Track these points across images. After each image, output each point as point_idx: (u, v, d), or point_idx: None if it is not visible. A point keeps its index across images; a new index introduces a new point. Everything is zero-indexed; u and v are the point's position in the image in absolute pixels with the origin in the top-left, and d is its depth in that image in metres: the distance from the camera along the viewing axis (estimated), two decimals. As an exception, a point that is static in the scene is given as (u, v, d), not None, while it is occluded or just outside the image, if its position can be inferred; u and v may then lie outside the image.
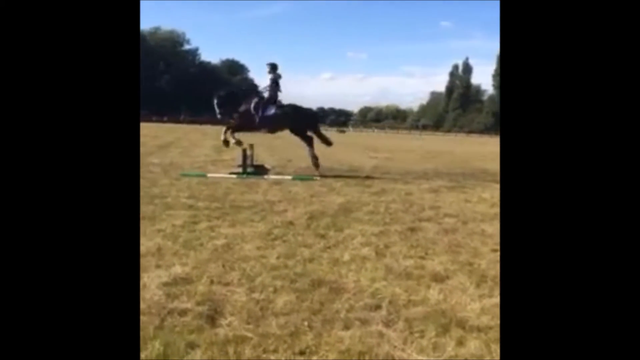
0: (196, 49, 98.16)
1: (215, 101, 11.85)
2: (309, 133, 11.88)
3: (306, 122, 11.89)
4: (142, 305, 3.35)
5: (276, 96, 11.69)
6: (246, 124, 11.65)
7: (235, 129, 11.63)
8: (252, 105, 11.51)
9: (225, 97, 11.90)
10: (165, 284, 3.79)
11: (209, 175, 10.75)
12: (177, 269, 4.15)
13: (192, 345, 2.83)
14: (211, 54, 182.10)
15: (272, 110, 11.48)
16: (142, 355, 2.69)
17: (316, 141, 11.99)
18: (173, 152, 17.25)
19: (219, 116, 12.06)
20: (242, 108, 11.62)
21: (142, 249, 4.76)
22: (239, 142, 11.38)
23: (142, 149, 12.63)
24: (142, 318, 3.15)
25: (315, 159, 11.62)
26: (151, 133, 32.24)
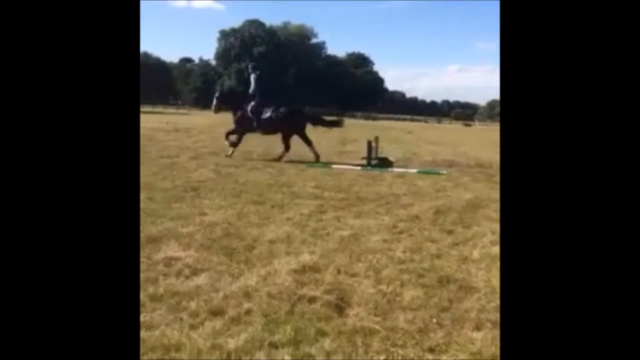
0: (323, 43, 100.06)
1: (216, 95, 12.58)
2: (306, 131, 12.23)
3: (299, 122, 12.21)
4: (274, 290, 3.47)
5: (267, 96, 12.30)
6: (244, 126, 12.16)
7: (232, 131, 12.22)
8: (250, 108, 12.01)
9: (226, 95, 12.83)
10: (295, 271, 3.89)
11: (334, 166, 10.91)
12: (306, 257, 4.25)
13: (321, 333, 2.88)
14: (338, 48, 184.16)
15: (267, 114, 11.96)
16: (275, 337, 2.78)
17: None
18: (299, 143, 17.70)
19: (212, 108, 12.62)
20: (239, 113, 12.16)
21: (272, 235, 4.94)
22: (233, 144, 12.01)
23: (271, 140, 13.12)
24: (274, 302, 3.27)
25: (316, 155, 11.89)
26: (278, 124, 33.38)
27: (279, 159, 11.72)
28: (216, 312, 3.09)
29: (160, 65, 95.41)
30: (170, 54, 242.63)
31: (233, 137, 12.21)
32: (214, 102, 12.52)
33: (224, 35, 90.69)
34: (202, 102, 71.24)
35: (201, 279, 3.64)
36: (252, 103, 12.01)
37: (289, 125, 12.01)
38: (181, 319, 2.97)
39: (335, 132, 25.56)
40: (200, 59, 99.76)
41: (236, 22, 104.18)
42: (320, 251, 4.49)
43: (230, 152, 11.90)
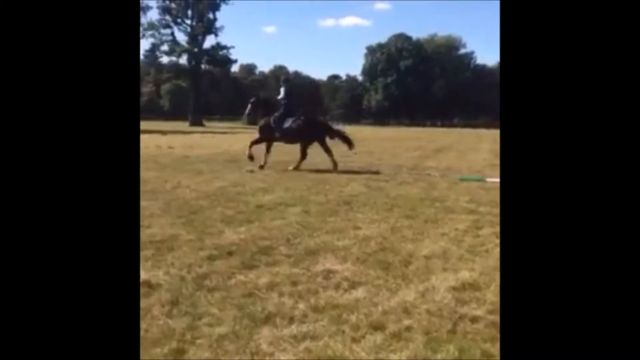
0: (471, 53, 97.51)
1: (251, 100, 12.83)
2: (327, 141, 12.26)
3: (318, 131, 12.31)
4: (433, 307, 3.39)
5: (291, 107, 12.44)
6: (266, 136, 12.40)
7: (256, 141, 12.50)
8: (272, 118, 12.25)
9: (258, 102, 12.84)
10: (454, 288, 3.77)
11: (488, 179, 10.47)
12: (465, 274, 4.11)
13: (487, 355, 2.75)
14: (488, 56, 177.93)
15: (288, 123, 12.10)
16: (438, 356, 2.71)
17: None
18: (449, 156, 17.32)
19: (246, 116, 13.18)
20: (262, 122, 12.59)
21: (427, 250, 4.86)
22: (251, 157, 12.09)
23: (418, 153, 12.97)
24: (434, 319, 3.19)
25: (335, 164, 11.88)
26: (427, 137, 33.05)
27: (296, 167, 11.87)
28: (376, 327, 3.09)
29: (309, 84, 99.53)
30: (319, 72, 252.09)
31: (254, 147, 12.47)
32: (248, 107, 12.87)
33: (371, 51, 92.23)
34: (348, 117, 72.93)
35: (359, 293, 3.68)
36: (276, 114, 12.32)
37: (309, 134, 12.18)
38: (343, 332, 3.02)
39: (486, 143, 24.55)
40: (347, 76, 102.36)
41: (382, 37, 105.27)
42: (479, 268, 4.31)
43: (263, 162, 12.01)
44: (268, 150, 12.45)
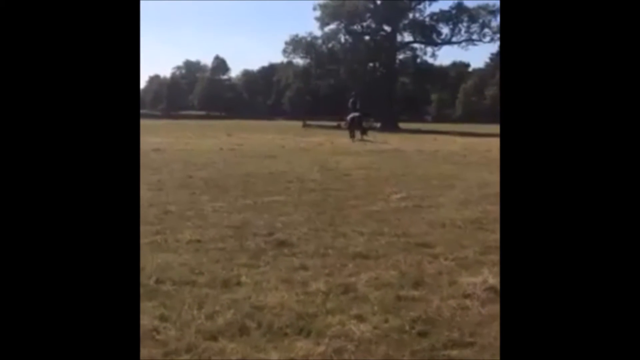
0: None
1: (354, 100, 24.19)
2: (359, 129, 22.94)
3: (358, 122, 22.94)
4: None
5: (351, 109, 23.88)
6: (348, 126, 24.00)
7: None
8: (348, 117, 23.85)
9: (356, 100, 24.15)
10: None
11: None
12: None
13: None
14: None
15: (349, 117, 23.77)
16: None
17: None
18: None
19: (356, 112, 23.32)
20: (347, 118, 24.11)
21: None
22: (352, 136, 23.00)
23: None
24: None
25: (352, 136, 22.61)
26: None
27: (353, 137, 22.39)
28: None
29: None
30: None
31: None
32: (354, 107, 23.56)
33: None
34: None
35: None
36: (351, 115, 23.29)
37: (355, 124, 22.45)
38: None
39: None
40: None
41: None
42: None
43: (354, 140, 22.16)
44: (352, 135, 22.93)
